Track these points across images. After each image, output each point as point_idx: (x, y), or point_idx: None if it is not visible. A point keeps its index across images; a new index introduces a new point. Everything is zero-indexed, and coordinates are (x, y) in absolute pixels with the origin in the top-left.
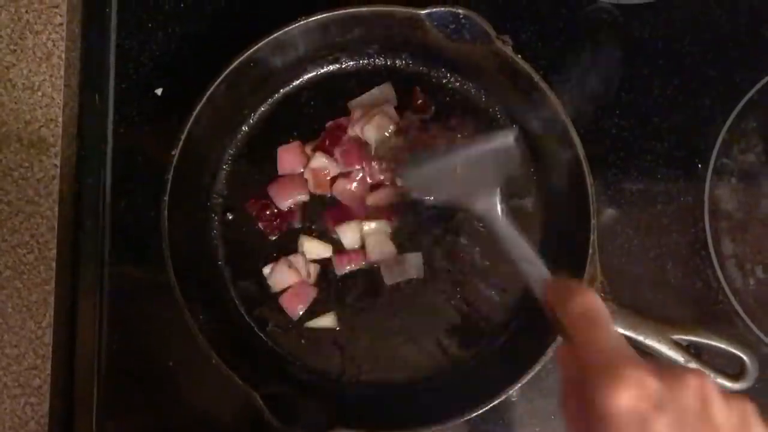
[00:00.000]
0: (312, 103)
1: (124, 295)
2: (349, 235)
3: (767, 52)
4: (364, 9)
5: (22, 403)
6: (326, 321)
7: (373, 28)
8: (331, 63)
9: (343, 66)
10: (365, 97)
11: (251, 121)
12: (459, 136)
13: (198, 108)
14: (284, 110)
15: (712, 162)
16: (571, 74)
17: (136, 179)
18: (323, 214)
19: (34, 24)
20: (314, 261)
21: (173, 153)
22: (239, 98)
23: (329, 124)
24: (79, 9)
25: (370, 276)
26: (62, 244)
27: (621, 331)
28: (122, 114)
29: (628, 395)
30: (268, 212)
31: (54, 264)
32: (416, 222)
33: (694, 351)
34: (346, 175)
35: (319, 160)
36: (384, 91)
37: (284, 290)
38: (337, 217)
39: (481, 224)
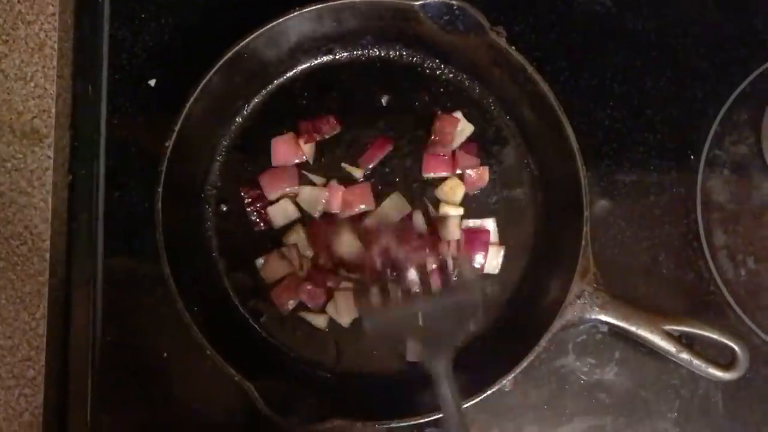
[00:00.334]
0: (306, 94)
1: (118, 286)
2: None
3: (759, 44)
4: (357, 0)
5: (16, 395)
6: (318, 321)
7: (366, 18)
8: (325, 54)
9: (337, 57)
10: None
11: (245, 113)
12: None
13: (191, 99)
14: (278, 101)
15: (704, 154)
16: (565, 66)
17: (130, 170)
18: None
19: (26, 14)
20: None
21: (167, 144)
22: (233, 89)
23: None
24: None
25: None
26: (56, 235)
27: (612, 321)
28: (115, 105)
29: None
30: (259, 204)
31: (48, 255)
32: None
33: (685, 341)
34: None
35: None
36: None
37: (277, 282)
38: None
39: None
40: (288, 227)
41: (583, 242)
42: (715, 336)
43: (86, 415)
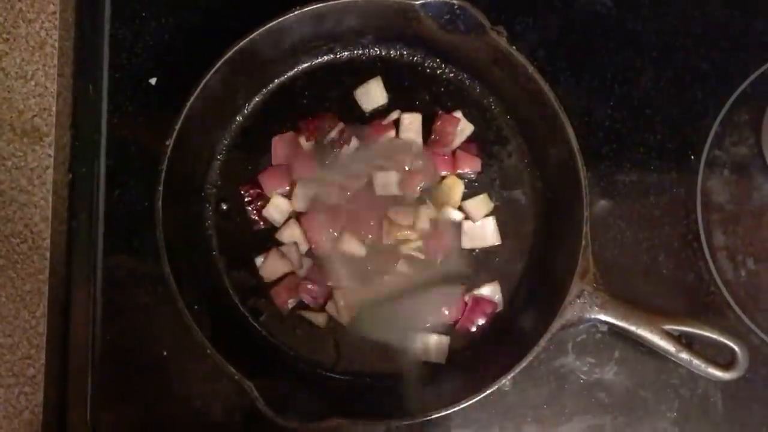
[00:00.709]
0: (306, 93)
1: (117, 285)
2: None
3: (759, 45)
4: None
5: (16, 393)
6: (318, 319)
7: (367, 18)
8: (326, 53)
9: (338, 56)
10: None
11: (245, 112)
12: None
13: (192, 98)
14: (278, 100)
15: (704, 154)
16: (565, 66)
17: (130, 169)
18: None
19: (27, 12)
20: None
21: (167, 143)
22: (233, 88)
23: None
24: None
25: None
26: (56, 234)
27: (612, 321)
28: (116, 104)
29: None
30: (259, 202)
31: (48, 254)
32: None
33: (685, 341)
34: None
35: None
36: None
37: (276, 281)
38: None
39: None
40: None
41: (583, 242)
42: (714, 336)
43: (86, 414)
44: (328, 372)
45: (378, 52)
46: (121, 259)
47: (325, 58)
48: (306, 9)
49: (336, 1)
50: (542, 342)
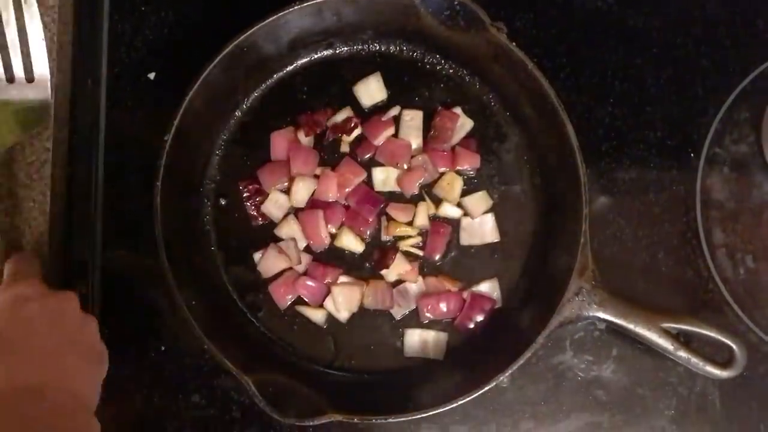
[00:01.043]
0: (305, 88)
1: (116, 279)
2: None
3: (760, 43)
4: None
5: None
6: (316, 316)
7: (366, 13)
8: (325, 48)
9: (337, 51)
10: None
11: (244, 107)
12: None
13: (191, 93)
14: (277, 95)
15: (704, 152)
16: (565, 63)
17: (129, 164)
18: None
19: None
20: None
21: (166, 138)
22: (232, 83)
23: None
24: None
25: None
26: (54, 228)
27: (610, 318)
28: (115, 98)
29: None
30: (258, 198)
31: (46, 248)
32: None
33: (683, 339)
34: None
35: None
36: None
37: (275, 277)
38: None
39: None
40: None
41: (582, 239)
42: (712, 334)
43: None
44: (326, 368)
45: (377, 48)
46: (120, 255)
47: (325, 53)
48: (305, 4)
49: None
50: (540, 339)
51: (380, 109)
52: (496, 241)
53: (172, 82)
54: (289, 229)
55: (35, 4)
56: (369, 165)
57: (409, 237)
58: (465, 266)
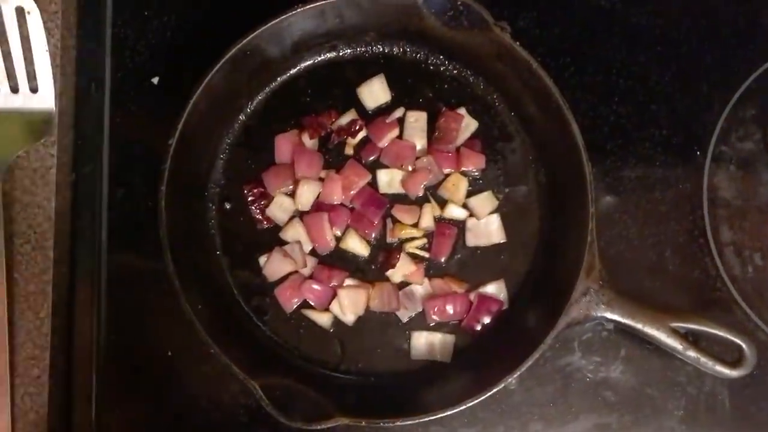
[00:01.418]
0: (309, 91)
1: (121, 284)
2: None
3: (765, 40)
4: None
5: (21, 393)
6: (323, 319)
7: (369, 15)
8: (328, 51)
9: (340, 54)
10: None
11: (248, 110)
12: None
13: (195, 97)
14: (281, 98)
15: (710, 149)
16: (570, 61)
17: (133, 169)
18: None
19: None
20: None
21: (170, 142)
22: (236, 87)
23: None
24: None
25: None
26: (59, 234)
27: (618, 318)
28: (119, 103)
29: None
30: (262, 201)
31: (51, 254)
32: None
33: (692, 338)
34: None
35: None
36: None
37: (280, 280)
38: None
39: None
40: (287, 223)
41: (589, 239)
42: (721, 333)
43: (91, 414)
44: (333, 371)
45: (381, 50)
46: (125, 259)
47: (328, 55)
48: (308, 6)
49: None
50: (548, 340)
51: (384, 110)
52: (502, 241)
53: (176, 87)
54: (295, 233)
55: (38, 14)
56: (373, 167)
57: (415, 239)
58: (471, 267)
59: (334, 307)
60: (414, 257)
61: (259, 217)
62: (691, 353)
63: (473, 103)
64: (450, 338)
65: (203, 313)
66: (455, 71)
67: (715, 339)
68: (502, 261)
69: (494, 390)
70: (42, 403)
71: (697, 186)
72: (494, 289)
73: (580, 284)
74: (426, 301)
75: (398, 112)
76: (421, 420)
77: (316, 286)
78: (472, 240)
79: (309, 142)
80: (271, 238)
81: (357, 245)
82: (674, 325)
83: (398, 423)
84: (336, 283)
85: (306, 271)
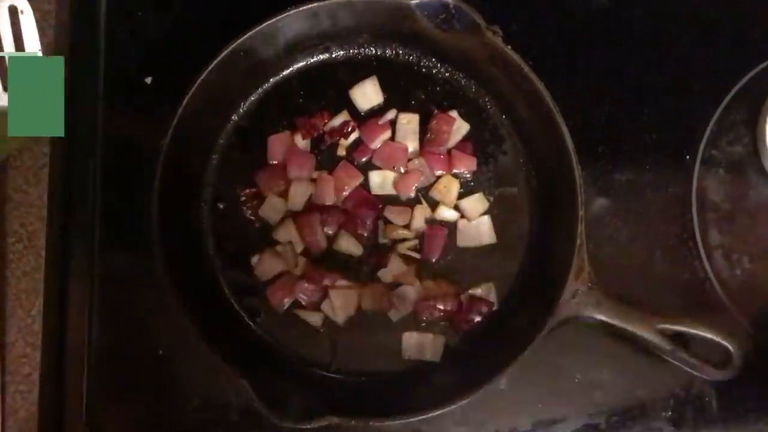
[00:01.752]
0: (302, 92)
1: (113, 283)
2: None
3: (756, 44)
4: None
5: (11, 391)
6: (314, 319)
7: (362, 17)
8: (321, 52)
9: (333, 55)
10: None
11: (241, 111)
12: None
13: (188, 97)
14: (274, 99)
15: (700, 153)
16: (561, 64)
17: (126, 168)
18: None
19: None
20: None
21: (163, 142)
22: (229, 87)
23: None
24: None
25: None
26: (52, 232)
27: (607, 320)
28: (112, 103)
29: None
30: (255, 202)
31: (43, 252)
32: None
33: (680, 340)
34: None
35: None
36: None
37: (272, 280)
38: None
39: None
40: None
41: (578, 241)
42: (709, 335)
43: (82, 412)
44: (324, 371)
45: (373, 52)
46: (117, 259)
47: (321, 57)
48: (301, 8)
49: (331, 1)
50: (537, 341)
51: (377, 112)
52: (492, 243)
53: (170, 87)
54: (287, 233)
55: (31, 13)
56: (366, 168)
57: (406, 240)
58: (462, 268)
59: (326, 306)
60: (405, 258)
61: (252, 217)
62: (679, 355)
63: (465, 105)
64: (440, 338)
65: (195, 312)
66: (447, 74)
67: (703, 341)
68: (492, 262)
69: (483, 389)
70: (33, 401)
71: (686, 189)
72: (484, 289)
73: (570, 286)
74: (417, 302)
75: (390, 114)
76: (411, 419)
77: (307, 286)
78: (463, 241)
79: (302, 143)
80: (264, 238)
81: (349, 246)
82: (662, 326)
83: (389, 422)
84: (327, 283)
85: (298, 271)
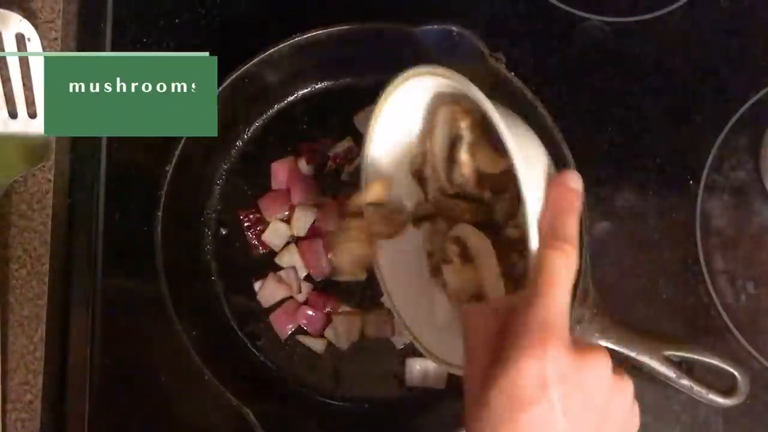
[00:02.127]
0: (306, 118)
1: (116, 309)
2: None
3: (758, 69)
4: (356, 27)
5: (13, 419)
6: (317, 345)
7: (365, 45)
8: (325, 79)
9: (337, 82)
10: None
11: (245, 137)
12: None
13: None
14: (278, 125)
15: (703, 179)
16: (564, 91)
17: (130, 194)
18: None
19: None
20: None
21: (167, 168)
22: (233, 113)
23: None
24: (74, 24)
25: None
26: (55, 258)
27: (612, 346)
28: None
29: (540, 367)
30: (258, 227)
31: (46, 279)
32: None
33: (685, 367)
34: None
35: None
36: None
37: (275, 306)
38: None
39: None
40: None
41: (583, 266)
42: (715, 361)
43: None
44: (327, 398)
45: (377, 78)
46: (120, 284)
47: (325, 83)
48: (305, 36)
49: (334, 29)
50: None
51: None
52: None
53: None
54: (290, 258)
55: (38, 41)
56: None
57: None
58: None
59: (329, 333)
60: None
61: (255, 242)
62: (685, 382)
63: None
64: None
65: (197, 338)
66: None
67: (708, 367)
68: None
69: None
70: (34, 428)
71: (690, 214)
72: None
73: (575, 311)
74: None
75: None
76: None
77: (310, 312)
78: None
79: (305, 168)
80: (267, 264)
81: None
82: (668, 353)
83: None
84: (331, 309)
85: (301, 297)
